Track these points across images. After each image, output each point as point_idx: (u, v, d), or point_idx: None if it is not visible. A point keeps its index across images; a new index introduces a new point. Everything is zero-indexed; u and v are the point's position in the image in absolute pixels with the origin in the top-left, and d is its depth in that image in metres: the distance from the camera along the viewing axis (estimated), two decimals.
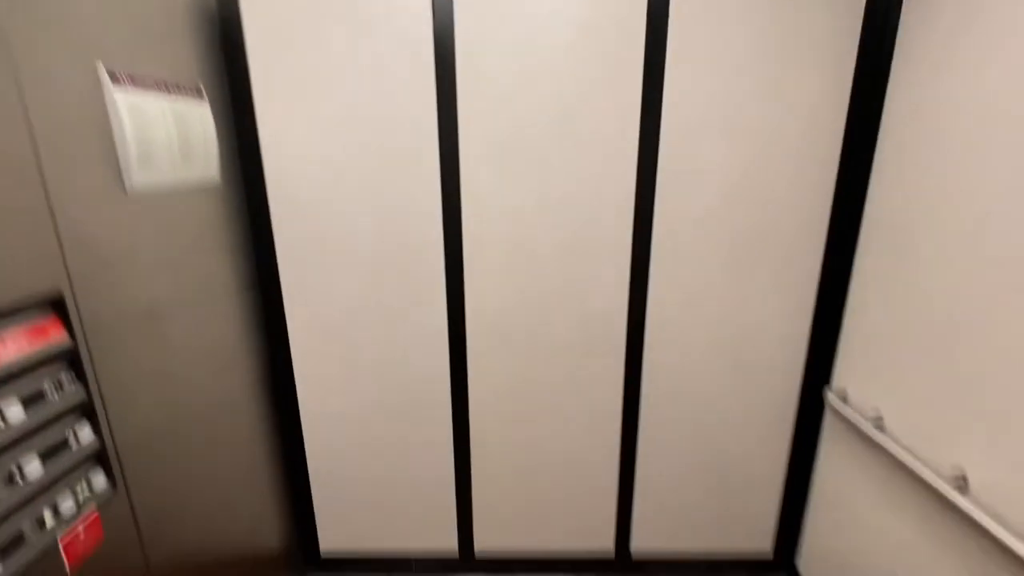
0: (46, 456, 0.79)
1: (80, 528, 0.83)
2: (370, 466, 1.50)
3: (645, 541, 1.56)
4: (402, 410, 1.44)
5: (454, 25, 1.15)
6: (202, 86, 1.11)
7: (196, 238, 1.12)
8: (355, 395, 1.43)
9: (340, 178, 1.25)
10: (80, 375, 0.84)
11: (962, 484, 0.93)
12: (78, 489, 0.84)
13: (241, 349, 1.29)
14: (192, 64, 1.10)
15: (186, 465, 1.10)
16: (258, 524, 1.38)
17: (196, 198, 1.11)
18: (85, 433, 0.86)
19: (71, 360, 0.83)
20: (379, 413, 1.45)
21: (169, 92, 1.00)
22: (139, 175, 0.93)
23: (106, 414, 0.89)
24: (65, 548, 0.80)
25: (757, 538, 1.55)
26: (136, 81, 0.92)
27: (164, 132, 0.98)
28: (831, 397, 1.29)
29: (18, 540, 0.74)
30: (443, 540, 1.58)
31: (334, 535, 1.59)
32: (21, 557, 0.74)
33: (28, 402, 0.76)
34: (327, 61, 1.17)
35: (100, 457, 0.89)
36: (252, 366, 1.34)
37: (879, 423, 1.14)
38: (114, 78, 0.87)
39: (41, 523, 0.78)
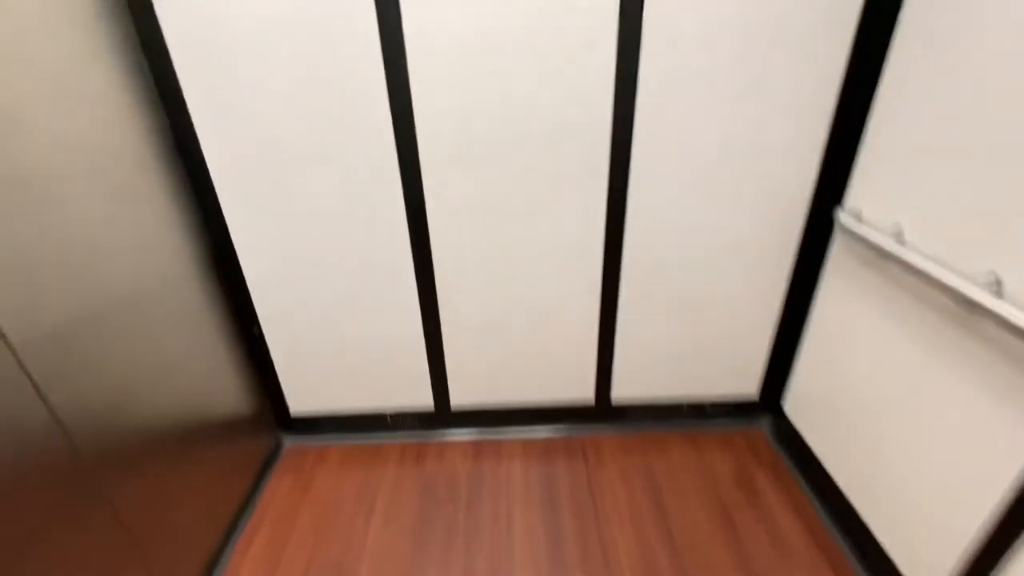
0: None
1: None
2: (331, 327, 1.37)
3: (627, 389, 1.49)
4: (356, 261, 1.27)
5: None
6: None
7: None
8: (299, 249, 1.25)
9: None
10: None
11: (996, 288, 0.79)
12: None
13: (163, 221, 1.09)
14: None
15: (122, 348, 0.95)
16: (218, 395, 1.27)
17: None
18: None
19: None
20: (329, 268, 1.27)
21: None
22: None
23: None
24: None
25: (743, 382, 1.49)
26: None
27: None
28: (843, 217, 1.12)
29: None
30: (417, 397, 1.50)
31: (303, 398, 1.51)
32: None
33: None
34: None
35: None
36: (183, 238, 1.15)
37: (899, 238, 0.98)
38: None
39: None
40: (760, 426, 1.55)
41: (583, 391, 1.50)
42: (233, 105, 1.07)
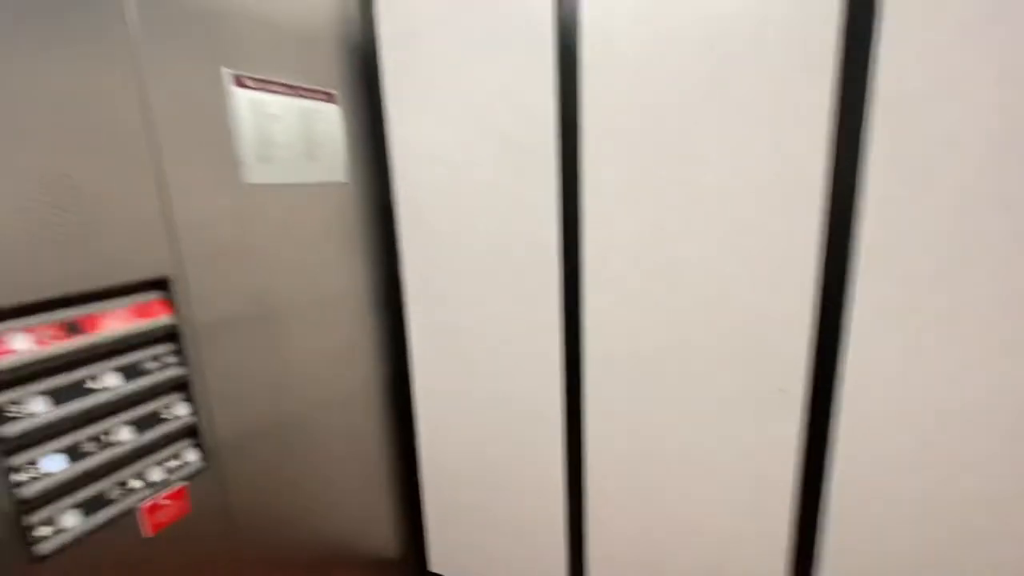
0: (141, 427, 0.84)
1: (164, 497, 0.87)
2: (484, 492, 1.41)
3: None
4: (512, 438, 1.33)
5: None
6: (335, 90, 1.16)
7: (318, 234, 1.16)
8: (469, 411, 1.36)
9: (459, 177, 1.20)
10: (180, 351, 0.90)
11: None
12: (169, 462, 0.89)
13: (360, 348, 1.32)
14: (329, 69, 1.15)
15: (291, 456, 1.14)
16: (365, 528, 1.38)
17: (320, 195, 1.16)
18: (180, 409, 0.90)
19: (173, 339, 0.89)
20: (490, 436, 1.36)
21: (297, 95, 1.07)
22: (257, 170, 0.99)
23: (206, 394, 0.94)
24: (145, 512, 0.84)
25: None
26: (261, 84, 0.99)
27: (286, 131, 1.04)
28: None
29: (101, 499, 0.79)
30: None
31: (443, 555, 1.53)
32: (102, 515, 0.79)
33: (129, 374, 0.82)
34: (451, 58, 1.14)
35: (194, 434, 0.93)
36: (372, 367, 1.36)
37: None
38: (238, 81, 0.95)
39: (127, 488, 0.82)
40: None
41: None
42: (433, 261, 1.34)
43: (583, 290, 1.14)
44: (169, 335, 0.88)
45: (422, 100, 1.20)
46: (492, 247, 1.22)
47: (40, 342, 0.71)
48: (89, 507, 0.78)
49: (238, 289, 0.99)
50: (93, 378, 0.78)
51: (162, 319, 0.86)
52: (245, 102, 0.96)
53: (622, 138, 1.03)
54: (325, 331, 1.21)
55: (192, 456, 0.93)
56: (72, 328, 0.74)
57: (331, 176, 1.18)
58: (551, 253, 1.15)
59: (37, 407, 0.71)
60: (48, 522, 0.74)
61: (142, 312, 0.83)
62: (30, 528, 0.71)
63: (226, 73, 0.93)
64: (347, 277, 1.27)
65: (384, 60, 1.21)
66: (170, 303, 0.87)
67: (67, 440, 0.76)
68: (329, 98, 1.16)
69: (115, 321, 0.80)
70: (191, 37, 0.88)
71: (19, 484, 0.70)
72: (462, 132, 1.18)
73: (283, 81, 1.04)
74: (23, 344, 0.69)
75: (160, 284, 0.86)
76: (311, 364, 1.17)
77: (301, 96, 1.08)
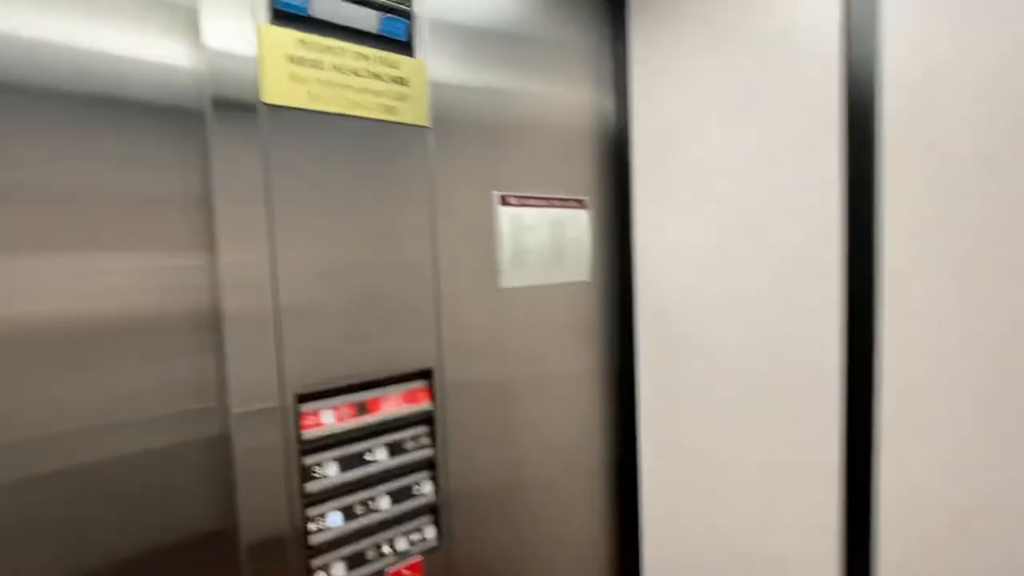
0: (396, 498, 0.96)
1: (405, 567, 0.96)
2: None
3: None
4: None
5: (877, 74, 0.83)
6: (586, 196, 1.23)
7: (559, 330, 1.21)
8: (703, 541, 1.20)
9: (709, 281, 1.11)
10: (432, 434, 1.01)
11: None
12: (412, 535, 0.99)
13: (591, 437, 1.31)
14: (582, 179, 1.23)
15: (517, 541, 1.17)
16: None
17: (564, 295, 1.21)
18: (426, 487, 1.01)
19: (429, 422, 1.01)
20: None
21: (551, 205, 1.17)
22: (510, 275, 1.11)
23: (447, 476, 1.03)
24: None
25: None
26: (521, 200, 1.12)
27: (538, 239, 1.14)
28: None
29: (362, 557, 0.92)
30: None
31: None
32: (359, 572, 0.91)
33: (394, 450, 0.95)
34: (707, 156, 1.10)
35: (434, 510, 1.03)
36: (600, 456, 1.33)
37: None
38: (503, 200, 1.09)
39: (380, 552, 0.94)
40: None
41: None
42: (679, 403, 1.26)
43: (877, 428, 0.86)
44: (426, 419, 1.01)
45: (672, 199, 1.16)
46: (746, 363, 1.05)
47: (339, 418, 0.89)
48: (351, 562, 0.91)
49: (485, 378, 1.09)
50: (370, 451, 0.93)
51: (423, 405, 0.99)
52: (507, 217, 1.09)
53: (941, 236, 0.77)
54: (558, 419, 1.22)
55: (430, 532, 1.01)
56: (361, 408, 0.92)
57: (575, 276, 1.23)
58: (830, 379, 0.92)
59: (331, 471, 0.89)
60: (323, 568, 0.89)
61: (409, 398, 0.98)
62: (311, 572, 0.87)
63: (495, 195, 1.07)
64: (583, 371, 1.27)
65: (635, 158, 1.23)
66: (431, 391, 1.00)
67: (346, 501, 0.91)
68: (580, 204, 1.22)
69: (391, 404, 0.95)
70: (473, 171, 1.05)
71: (310, 533, 0.87)
72: (715, 233, 1.08)
73: (540, 195, 1.15)
74: (329, 419, 0.88)
75: (425, 374, 1.00)
76: (541, 445, 1.19)
77: (554, 206, 1.17)
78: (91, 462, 0.71)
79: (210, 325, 0.77)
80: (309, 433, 0.86)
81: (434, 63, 0.98)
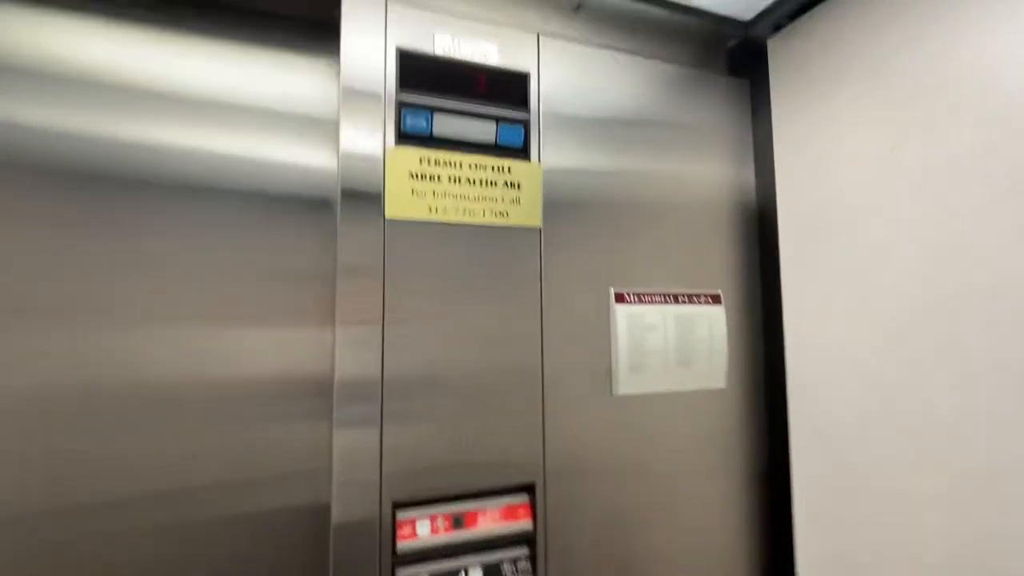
0: None
1: None
2: None
3: None
4: None
5: None
6: (719, 290, 1.10)
7: (687, 446, 1.05)
8: None
9: (887, 398, 0.87)
10: (533, 558, 0.91)
11: None
12: None
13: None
14: (715, 270, 1.10)
15: None
16: None
17: (694, 404, 1.06)
18: None
19: (530, 543, 0.92)
20: None
21: (677, 302, 1.05)
22: (627, 381, 1.00)
23: None
24: None
25: None
26: (641, 297, 1.03)
27: (660, 339, 1.02)
28: None
29: None
30: None
31: None
32: None
33: (489, 572, 0.87)
34: (873, 239, 0.92)
35: None
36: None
37: None
38: (619, 297, 1.01)
39: None
40: None
41: None
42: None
43: None
44: (527, 539, 0.91)
45: (831, 289, 0.97)
46: (955, 523, 0.77)
47: (434, 530, 0.85)
48: None
49: (597, 499, 0.97)
50: (465, 570, 0.87)
51: (523, 523, 0.91)
52: (624, 316, 1.00)
53: None
54: (687, 554, 1.03)
55: None
56: (457, 521, 0.87)
57: (708, 383, 1.07)
58: None
59: None
60: None
61: (509, 514, 0.90)
62: None
63: (611, 292, 1.00)
64: (719, 498, 1.07)
65: (783, 244, 1.06)
66: (532, 508, 0.92)
67: None
68: (713, 300, 1.08)
69: (488, 520, 0.88)
70: (588, 267, 0.99)
71: None
72: (891, 334, 0.86)
73: (663, 291, 1.04)
74: (424, 530, 0.84)
75: (527, 489, 0.92)
76: None
77: (681, 302, 1.05)
78: (221, 516, 0.81)
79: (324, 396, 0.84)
80: (403, 545, 0.83)
81: (550, 161, 0.97)
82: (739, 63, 1.19)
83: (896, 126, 0.87)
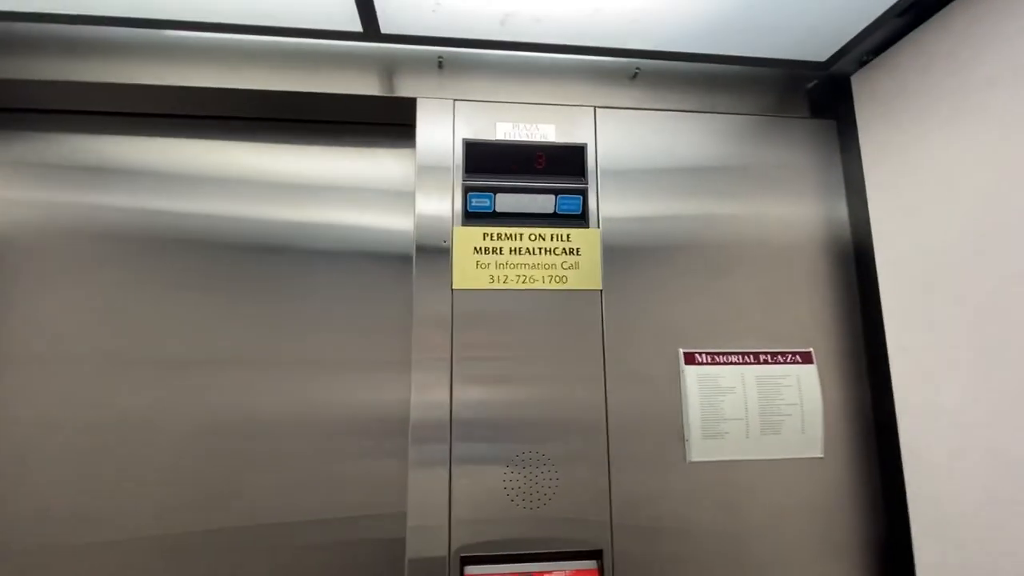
0: None
1: None
2: None
3: None
4: None
5: None
6: (809, 348, 1.01)
7: (776, 520, 0.95)
8: None
9: (1016, 481, 0.75)
10: None
11: None
12: None
13: None
14: (803, 325, 1.02)
15: None
16: None
17: (786, 475, 0.96)
18: None
19: None
20: None
21: (757, 362, 0.99)
22: (700, 447, 0.95)
23: None
24: None
25: None
26: (713, 357, 0.99)
27: (738, 403, 0.97)
28: None
29: None
30: None
31: None
32: None
33: None
34: (974, 300, 0.80)
35: None
36: None
37: None
38: (689, 358, 0.98)
39: None
40: None
41: None
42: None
43: None
44: None
45: (948, 343, 0.84)
46: None
47: None
48: None
49: (674, 568, 0.92)
50: None
51: None
52: (694, 378, 0.96)
53: None
54: None
55: None
56: None
57: (801, 451, 0.97)
58: None
59: None
60: None
61: None
62: None
63: (680, 353, 0.98)
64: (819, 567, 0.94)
65: (885, 294, 0.95)
66: (600, 574, 0.90)
67: None
68: (803, 359, 1.00)
69: None
70: (653, 328, 0.98)
71: None
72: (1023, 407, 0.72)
73: (741, 350, 0.99)
74: None
75: (595, 555, 0.91)
76: None
77: (763, 363, 0.99)
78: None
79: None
80: None
81: (609, 213, 1.01)
82: (822, 101, 1.12)
83: (998, 164, 0.76)
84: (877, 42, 0.97)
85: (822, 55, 1.03)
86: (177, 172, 1.06)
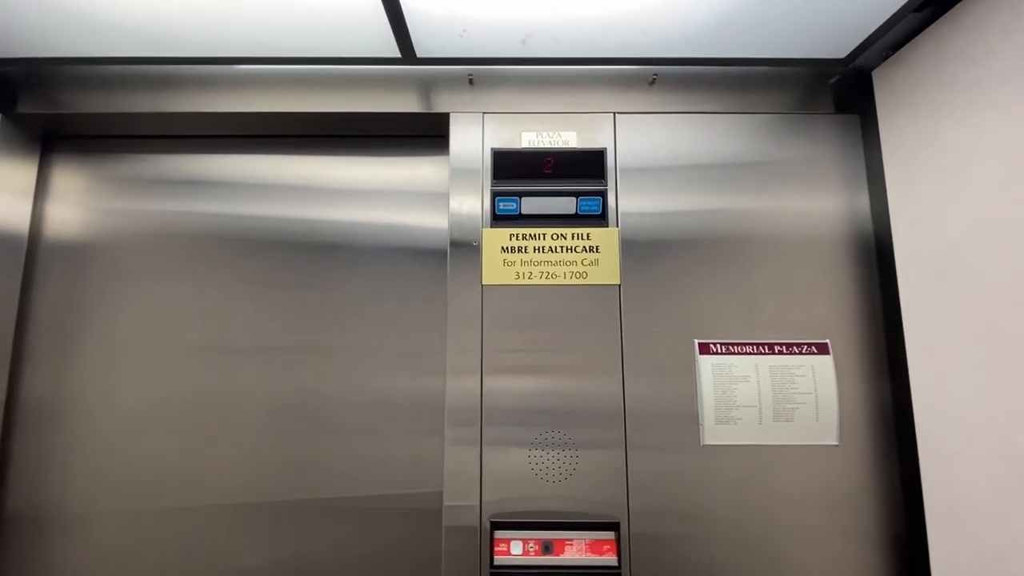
0: None
1: None
2: None
3: None
4: None
5: None
6: (825, 339, 1.04)
7: (795, 504, 1.00)
8: None
9: None
10: None
11: None
12: None
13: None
14: (819, 317, 1.05)
15: None
16: None
17: (799, 461, 1.01)
18: None
19: None
20: None
21: (771, 352, 1.04)
22: (714, 431, 1.01)
23: None
24: None
25: None
26: (728, 347, 1.04)
27: (754, 392, 1.01)
28: None
29: None
30: None
31: None
32: None
33: None
34: (989, 295, 0.82)
35: None
36: None
37: None
38: (704, 348, 1.04)
39: None
40: None
41: None
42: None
43: None
44: (613, 575, 0.98)
45: (967, 334, 0.86)
46: None
47: (525, 552, 0.98)
48: None
49: (685, 546, 0.99)
50: None
51: (608, 558, 0.98)
52: (708, 367, 1.02)
53: None
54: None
55: None
56: (546, 547, 0.99)
57: (815, 438, 1.01)
58: None
59: None
60: None
61: (595, 548, 0.99)
62: None
63: (695, 343, 1.04)
64: (836, 561, 0.99)
65: (903, 286, 0.97)
66: (617, 545, 0.99)
67: None
68: (819, 350, 1.03)
69: (575, 550, 0.98)
70: (670, 319, 1.05)
71: None
72: None
73: (756, 341, 1.04)
74: (517, 549, 0.98)
75: (613, 526, 1.00)
76: None
77: (777, 353, 1.03)
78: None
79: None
80: (500, 559, 0.98)
81: (627, 209, 1.08)
82: (846, 97, 1.13)
83: (1012, 157, 0.77)
84: (897, 37, 0.98)
85: (840, 52, 1.04)
86: (250, 183, 1.22)
